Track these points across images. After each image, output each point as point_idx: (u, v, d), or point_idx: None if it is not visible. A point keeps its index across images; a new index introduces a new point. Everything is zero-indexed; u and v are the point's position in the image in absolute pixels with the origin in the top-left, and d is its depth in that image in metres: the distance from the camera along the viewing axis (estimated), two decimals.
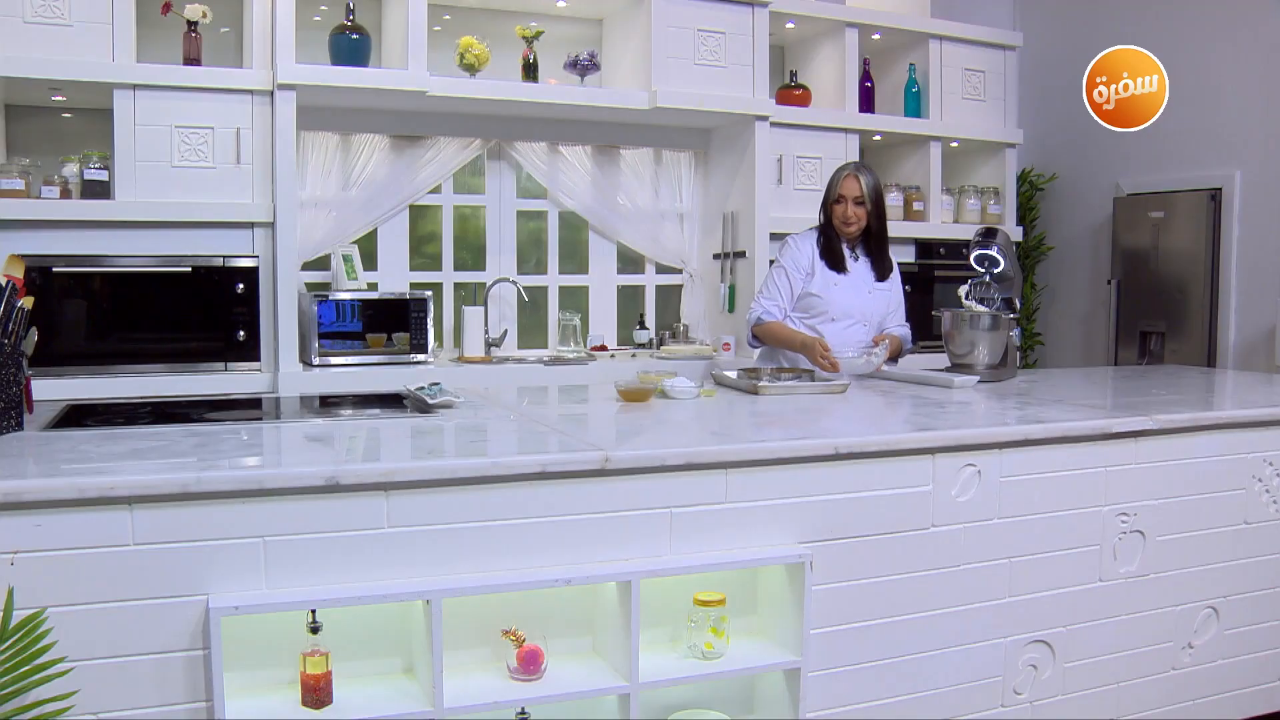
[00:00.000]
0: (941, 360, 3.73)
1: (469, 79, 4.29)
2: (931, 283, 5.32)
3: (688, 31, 4.57)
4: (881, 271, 3.68)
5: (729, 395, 3.08)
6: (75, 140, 4.13)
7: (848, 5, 5.14)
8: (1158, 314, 5.46)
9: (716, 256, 5.03)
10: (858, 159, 5.11)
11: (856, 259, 3.66)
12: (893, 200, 5.22)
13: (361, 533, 1.94)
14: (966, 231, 5.14)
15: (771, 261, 3.93)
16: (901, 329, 3.75)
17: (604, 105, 4.49)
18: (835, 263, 3.61)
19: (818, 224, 3.70)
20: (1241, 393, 3.36)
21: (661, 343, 5.04)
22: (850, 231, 3.61)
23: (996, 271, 3.54)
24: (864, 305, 3.64)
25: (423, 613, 1.96)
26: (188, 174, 3.87)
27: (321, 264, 4.50)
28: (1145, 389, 3.37)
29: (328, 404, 3.14)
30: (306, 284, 4.40)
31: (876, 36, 5.24)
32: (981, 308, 3.51)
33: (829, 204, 3.64)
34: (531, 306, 4.91)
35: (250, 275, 3.97)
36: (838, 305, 3.60)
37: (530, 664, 2.07)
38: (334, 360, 4.13)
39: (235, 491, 1.85)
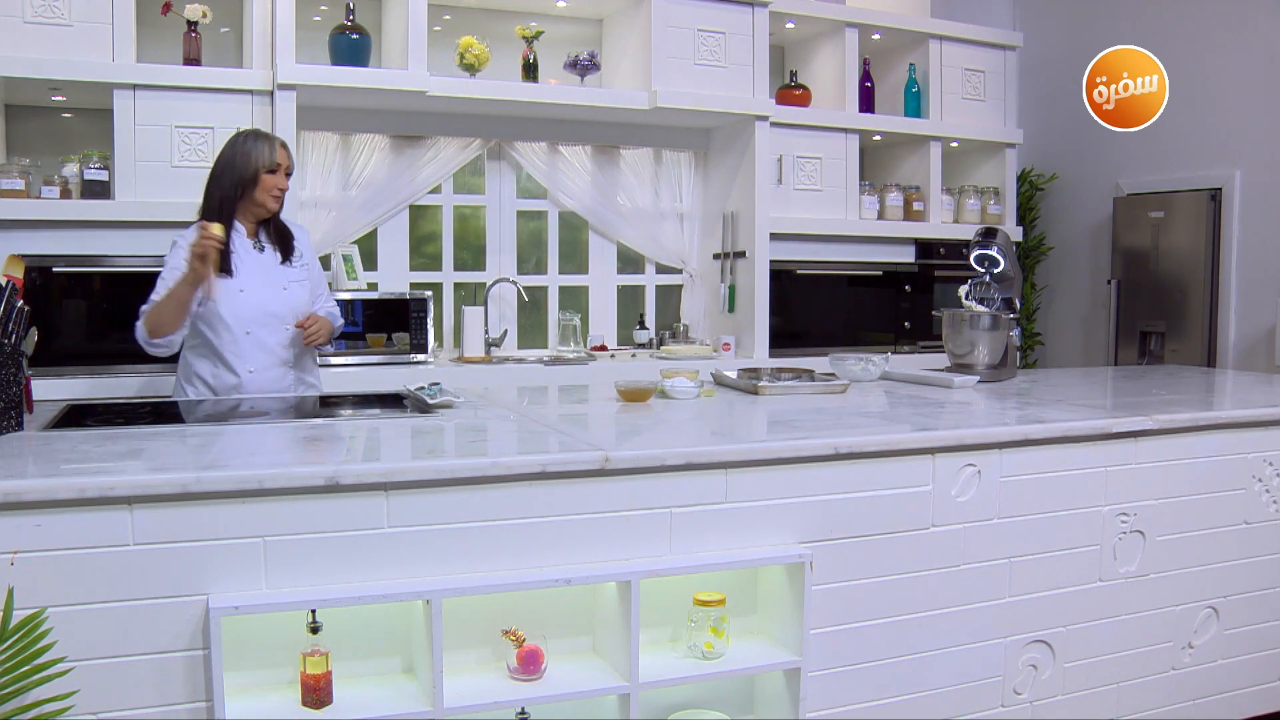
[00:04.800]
0: (941, 360, 3.73)
1: (469, 79, 4.29)
2: (931, 283, 5.32)
3: (688, 31, 4.57)
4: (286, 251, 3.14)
5: (729, 395, 3.08)
6: (75, 140, 4.13)
7: (848, 5, 5.14)
8: (1158, 314, 5.46)
9: (716, 256, 5.03)
10: (858, 159, 5.12)
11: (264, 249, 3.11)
12: (893, 200, 5.23)
13: (361, 533, 1.94)
14: (966, 231, 5.14)
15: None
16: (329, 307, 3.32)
17: (604, 105, 4.49)
18: (224, 264, 2.99)
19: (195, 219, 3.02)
20: (1241, 393, 3.35)
21: (661, 343, 5.04)
22: (273, 210, 3.08)
23: (996, 271, 3.54)
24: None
25: (423, 613, 1.96)
26: (188, 174, 3.86)
27: (322, 264, 4.48)
28: (1145, 389, 3.37)
29: (328, 404, 3.14)
30: None
31: (876, 36, 5.24)
32: (981, 308, 3.51)
33: (254, 179, 2.99)
34: (531, 306, 4.91)
35: None
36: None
37: (530, 664, 2.07)
38: (334, 360, 4.13)
39: (235, 491, 1.85)
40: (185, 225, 3.84)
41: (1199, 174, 5.31)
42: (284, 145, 3.08)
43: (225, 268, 2.98)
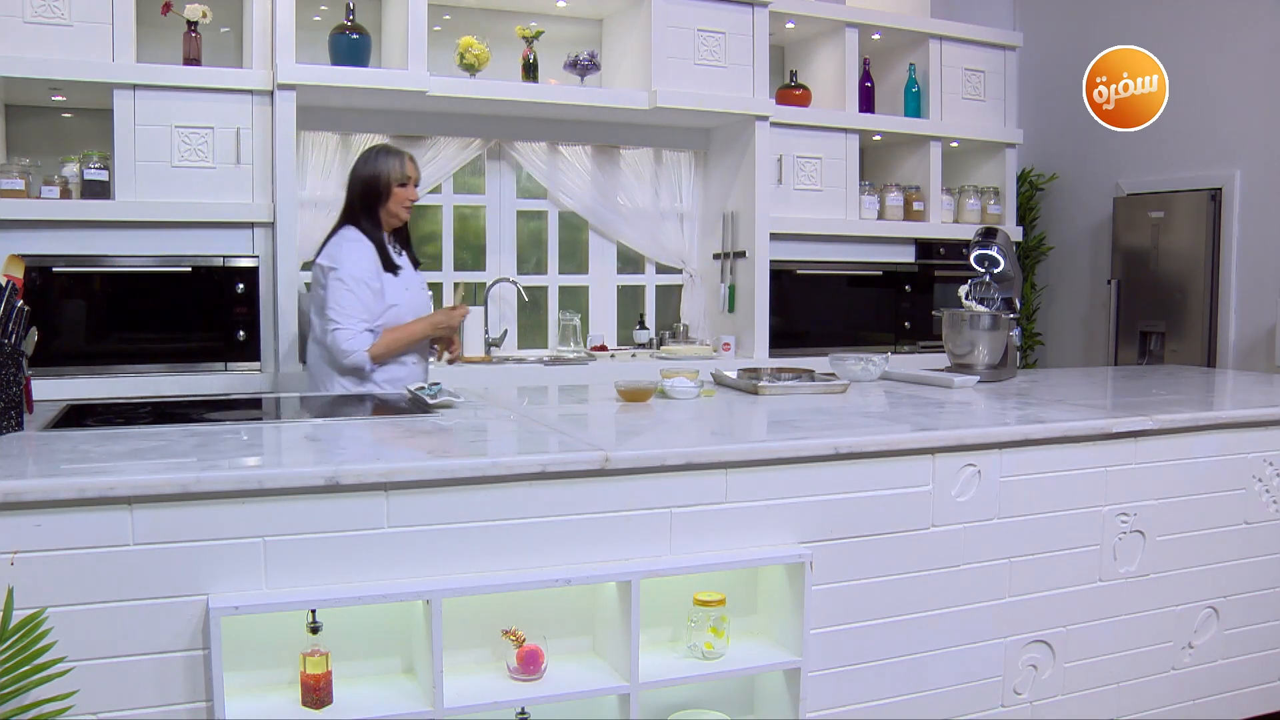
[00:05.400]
0: (941, 360, 3.73)
1: (469, 79, 4.29)
2: (931, 283, 5.32)
3: (688, 31, 4.57)
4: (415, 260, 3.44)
5: (729, 395, 3.08)
6: (75, 140, 4.13)
7: (848, 5, 5.15)
8: (1158, 314, 5.46)
9: (716, 256, 5.03)
10: (858, 159, 5.12)
11: (400, 253, 3.37)
12: (893, 200, 5.23)
13: (361, 533, 1.94)
14: (966, 231, 5.14)
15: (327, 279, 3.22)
16: None
17: (604, 105, 4.49)
18: (390, 264, 3.26)
19: (343, 227, 3.27)
20: (1241, 393, 3.35)
21: (661, 343, 5.05)
22: (404, 219, 3.33)
23: (996, 271, 3.54)
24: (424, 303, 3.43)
25: (423, 613, 1.96)
26: (188, 174, 3.87)
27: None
28: (1145, 389, 3.37)
29: (328, 404, 3.14)
30: (306, 284, 4.40)
31: (876, 36, 5.24)
32: (981, 308, 3.51)
33: (387, 191, 3.25)
34: (531, 306, 4.91)
35: (250, 275, 3.97)
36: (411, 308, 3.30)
37: (530, 664, 2.07)
38: None
39: (235, 491, 1.85)
40: (185, 225, 3.88)
41: (1199, 174, 5.31)
42: (412, 159, 3.32)
43: (391, 267, 3.24)
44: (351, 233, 3.24)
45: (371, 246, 3.21)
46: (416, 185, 3.33)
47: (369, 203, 3.26)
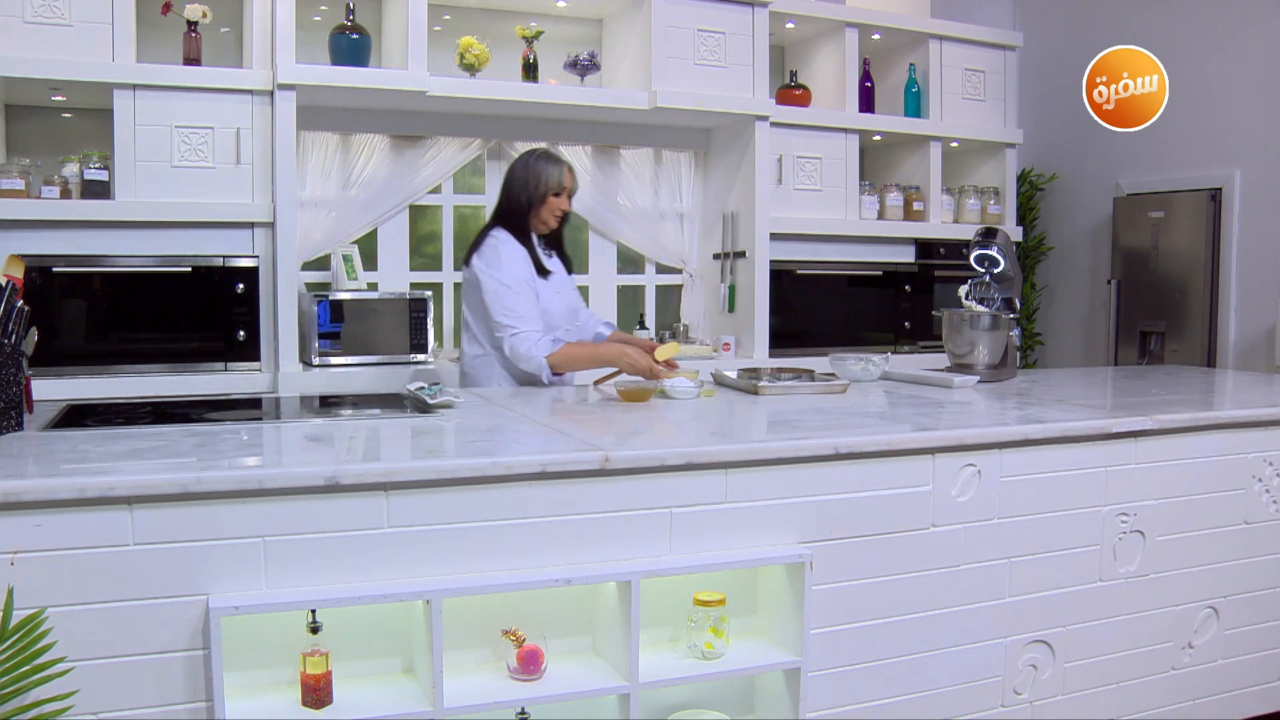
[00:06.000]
0: (941, 360, 3.73)
1: (469, 79, 4.29)
2: (931, 283, 5.32)
3: (688, 31, 4.57)
4: (569, 264, 3.48)
5: (729, 395, 3.08)
6: (75, 140, 4.13)
7: (848, 5, 5.14)
8: (1158, 314, 5.46)
9: (716, 256, 5.03)
10: (858, 159, 5.12)
11: (550, 256, 3.41)
12: (893, 200, 5.23)
13: (361, 533, 1.94)
14: (966, 231, 5.14)
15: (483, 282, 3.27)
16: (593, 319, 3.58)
17: (604, 105, 4.49)
18: (541, 268, 3.31)
19: (494, 228, 3.31)
20: (1241, 393, 3.35)
21: (661, 342, 5.03)
22: (552, 227, 3.35)
23: (996, 271, 3.54)
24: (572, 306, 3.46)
25: (423, 613, 1.96)
26: (188, 174, 3.87)
27: (321, 264, 4.50)
28: (1145, 389, 3.37)
29: (328, 404, 3.14)
30: (306, 284, 4.40)
31: (876, 36, 5.24)
32: (981, 308, 3.51)
33: (542, 198, 3.28)
34: None
35: (250, 275, 3.97)
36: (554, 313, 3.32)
37: (530, 664, 2.07)
38: (334, 360, 4.13)
39: (235, 491, 1.85)
40: (185, 225, 3.88)
41: (1199, 174, 5.31)
42: (571, 169, 3.34)
43: (542, 271, 3.29)
44: (502, 234, 3.26)
45: (522, 248, 3.25)
46: (571, 196, 3.34)
47: (522, 206, 3.28)
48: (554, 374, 3.21)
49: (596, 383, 3.24)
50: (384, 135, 4.54)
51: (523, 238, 3.27)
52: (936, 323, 3.67)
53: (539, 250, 3.32)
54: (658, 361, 3.13)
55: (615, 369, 3.21)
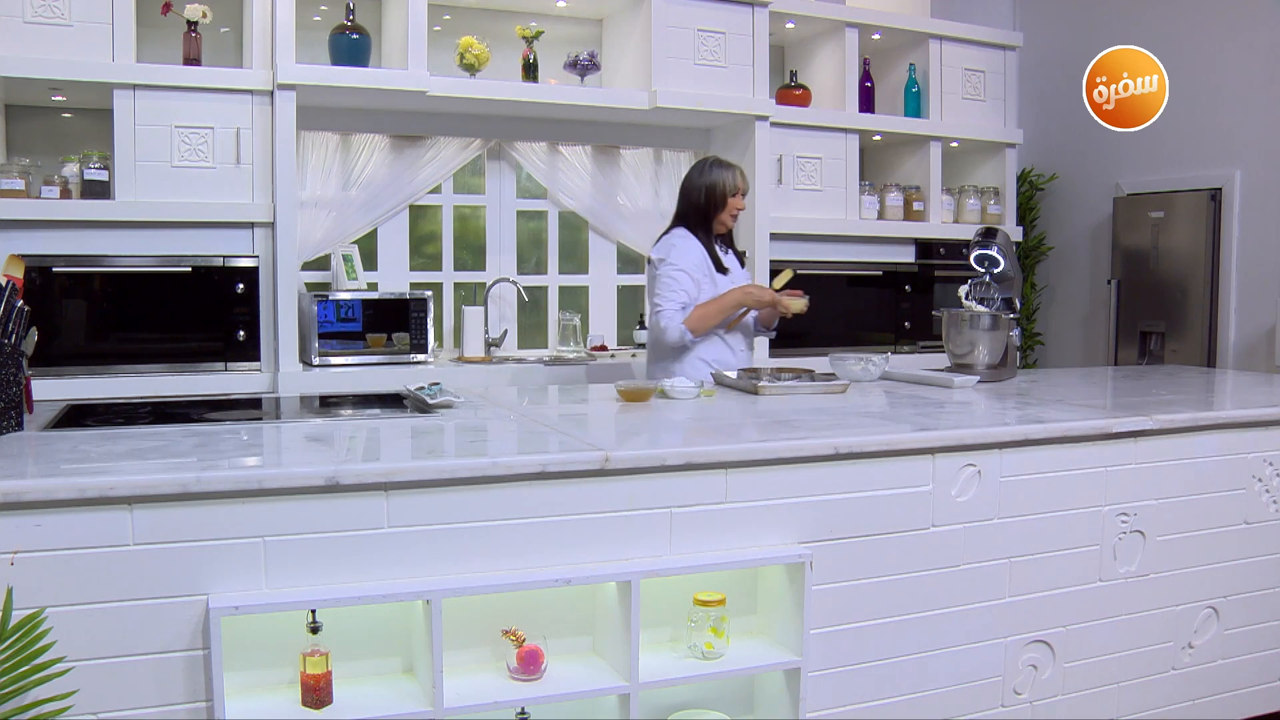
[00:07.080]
0: (941, 360, 3.73)
1: (469, 79, 4.29)
2: (931, 283, 5.32)
3: (688, 31, 4.57)
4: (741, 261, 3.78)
5: (729, 395, 3.08)
6: (75, 140, 4.13)
7: (848, 5, 5.14)
8: (1158, 314, 5.46)
9: None
10: (858, 159, 5.12)
11: (727, 254, 3.65)
12: (893, 200, 5.23)
13: (361, 533, 1.94)
14: (966, 231, 5.14)
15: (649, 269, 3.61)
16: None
17: (604, 105, 4.49)
18: (720, 265, 3.56)
19: (675, 228, 3.57)
20: (1241, 393, 3.35)
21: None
22: (730, 227, 3.62)
23: (996, 271, 3.54)
24: None
25: (423, 613, 1.97)
26: (188, 174, 3.87)
27: (321, 264, 4.50)
28: (1145, 389, 3.37)
29: (328, 404, 3.14)
30: (306, 284, 4.40)
31: (876, 36, 5.24)
32: (981, 308, 3.51)
33: (722, 200, 3.52)
34: (531, 306, 4.91)
35: (250, 275, 3.97)
36: None
37: (530, 664, 2.07)
38: (334, 360, 4.13)
39: (235, 491, 1.85)
40: (185, 225, 3.89)
41: (1199, 174, 5.31)
42: (742, 172, 3.59)
43: (721, 268, 3.53)
44: (681, 232, 3.53)
45: (700, 245, 3.50)
46: (744, 196, 3.59)
47: (704, 210, 3.53)
48: (695, 336, 3.44)
49: (729, 325, 3.52)
50: (384, 135, 4.54)
51: (704, 237, 3.53)
52: (936, 323, 3.67)
53: (718, 249, 3.58)
54: (778, 291, 3.52)
55: (744, 309, 3.52)
